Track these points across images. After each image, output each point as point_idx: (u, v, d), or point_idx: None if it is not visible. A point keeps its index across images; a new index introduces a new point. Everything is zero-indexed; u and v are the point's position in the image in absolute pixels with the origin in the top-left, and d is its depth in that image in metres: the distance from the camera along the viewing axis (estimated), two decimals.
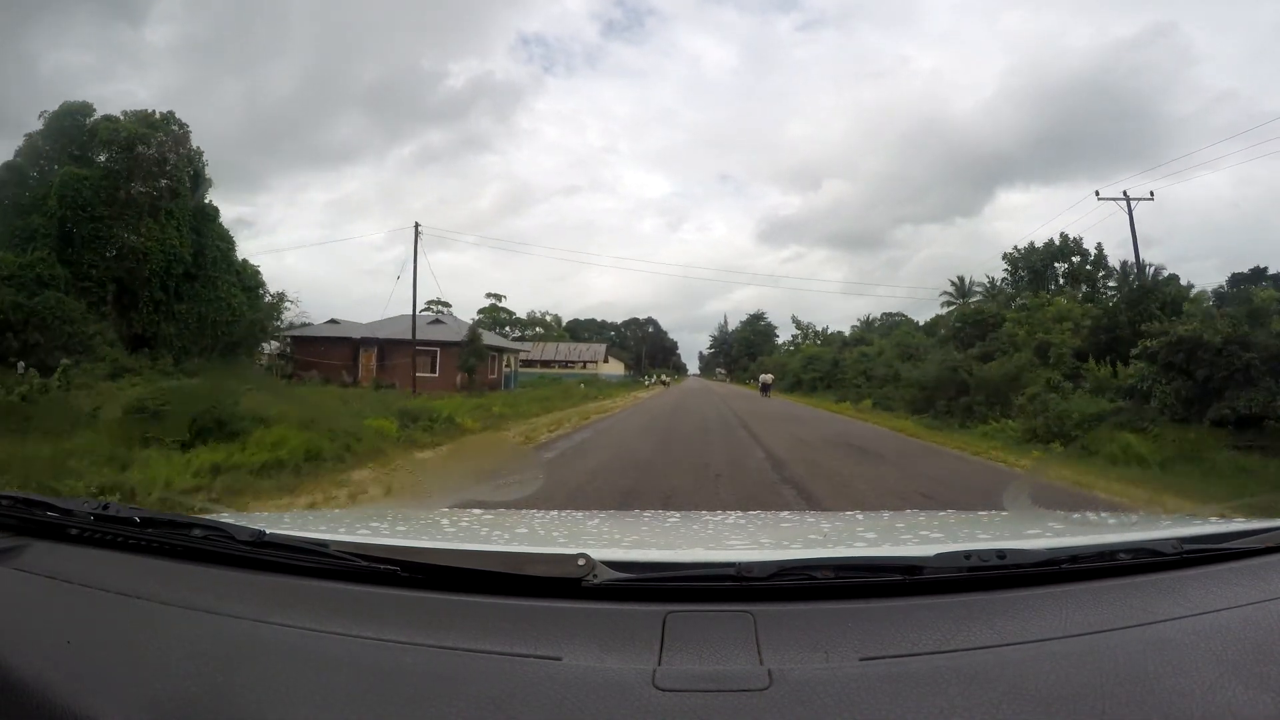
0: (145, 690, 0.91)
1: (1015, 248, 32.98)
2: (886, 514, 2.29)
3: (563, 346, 71.31)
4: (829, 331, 60.39)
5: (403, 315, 30.98)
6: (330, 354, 30.29)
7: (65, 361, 15.12)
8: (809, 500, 7.90)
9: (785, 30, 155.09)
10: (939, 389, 20.27)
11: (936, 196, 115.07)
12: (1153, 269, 27.51)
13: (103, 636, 1.03)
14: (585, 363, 68.16)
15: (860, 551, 1.38)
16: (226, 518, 1.45)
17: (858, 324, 54.18)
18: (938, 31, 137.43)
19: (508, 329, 71.41)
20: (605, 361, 70.48)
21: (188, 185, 26.64)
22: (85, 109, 26.52)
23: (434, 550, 1.23)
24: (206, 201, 27.61)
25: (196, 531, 1.26)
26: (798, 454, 12.25)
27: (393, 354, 30.25)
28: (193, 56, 63.72)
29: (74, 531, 1.29)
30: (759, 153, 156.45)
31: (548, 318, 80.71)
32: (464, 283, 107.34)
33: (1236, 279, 28.06)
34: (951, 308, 48.58)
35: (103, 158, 25.83)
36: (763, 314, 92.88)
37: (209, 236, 26.51)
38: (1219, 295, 21.01)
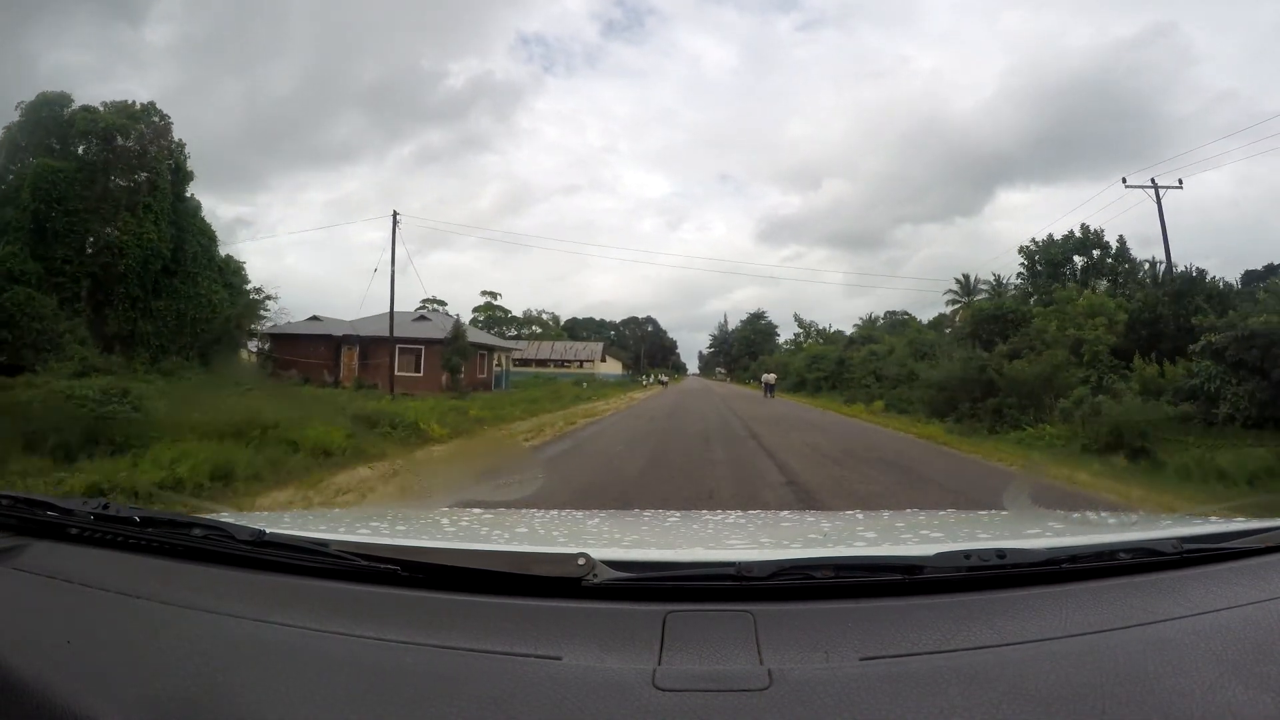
0: (145, 690, 0.90)
1: (1033, 240, 30.95)
2: (886, 514, 2.31)
3: (558, 345, 69.94)
4: (831, 330, 58.94)
5: (395, 313, 29.42)
6: (311, 352, 28.81)
7: None
8: None
9: (785, 30, 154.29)
10: (961, 390, 18.44)
11: (936, 196, 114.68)
12: (1162, 265, 26.28)
13: (103, 636, 1.02)
14: (582, 362, 66.69)
15: (860, 551, 1.37)
16: (227, 517, 1.44)
17: (859, 323, 52.91)
18: (938, 31, 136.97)
19: (503, 328, 69.91)
20: (603, 361, 69.07)
21: (168, 178, 25.32)
22: (63, 99, 26.24)
23: (434, 550, 1.23)
24: (188, 195, 26.21)
25: (196, 531, 1.25)
26: (824, 475, 9.84)
27: (376, 352, 28.68)
28: (192, 56, 63.43)
29: (74, 531, 1.28)
30: (759, 152, 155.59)
31: (544, 316, 79.39)
32: (463, 282, 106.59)
33: (1251, 276, 27.02)
34: (956, 305, 47.58)
35: (80, 149, 25.01)
36: (763, 313, 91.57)
37: (190, 231, 25.35)
38: (1235, 293, 19.54)
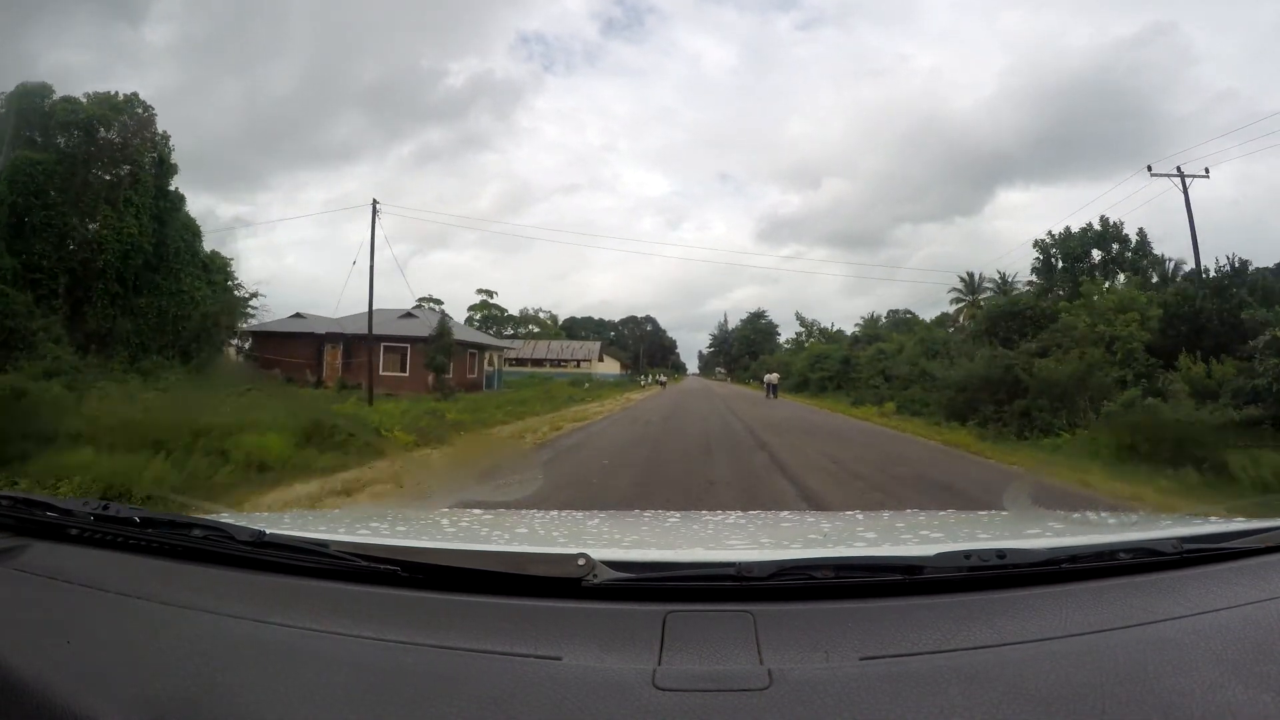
0: (145, 690, 0.91)
1: (1049, 233, 29.19)
2: (886, 514, 2.33)
3: (554, 344, 68.95)
4: (834, 329, 57.76)
5: (379, 310, 28.12)
6: (294, 351, 27.67)
7: None
8: None
9: (785, 29, 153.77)
10: (983, 391, 16.86)
11: (936, 195, 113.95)
12: (1173, 263, 25.28)
13: (103, 636, 1.03)
14: (579, 361, 65.55)
15: (860, 551, 1.36)
16: (226, 518, 1.44)
17: (861, 322, 51.71)
18: (937, 30, 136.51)
19: (500, 326, 68.81)
20: (600, 360, 67.94)
21: (150, 171, 24.17)
22: (44, 90, 25.54)
23: (434, 550, 1.22)
24: (172, 189, 25.08)
25: (196, 531, 1.26)
26: (860, 504, 7.57)
27: (360, 351, 26.96)
28: (192, 55, 63.11)
29: (74, 531, 1.28)
30: (758, 152, 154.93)
31: (541, 314, 78.27)
32: (462, 282, 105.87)
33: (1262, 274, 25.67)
34: (961, 304, 46.73)
35: (61, 141, 24.40)
36: (763, 312, 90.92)
37: (173, 225, 24.20)
38: None
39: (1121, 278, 24.97)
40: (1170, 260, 25.55)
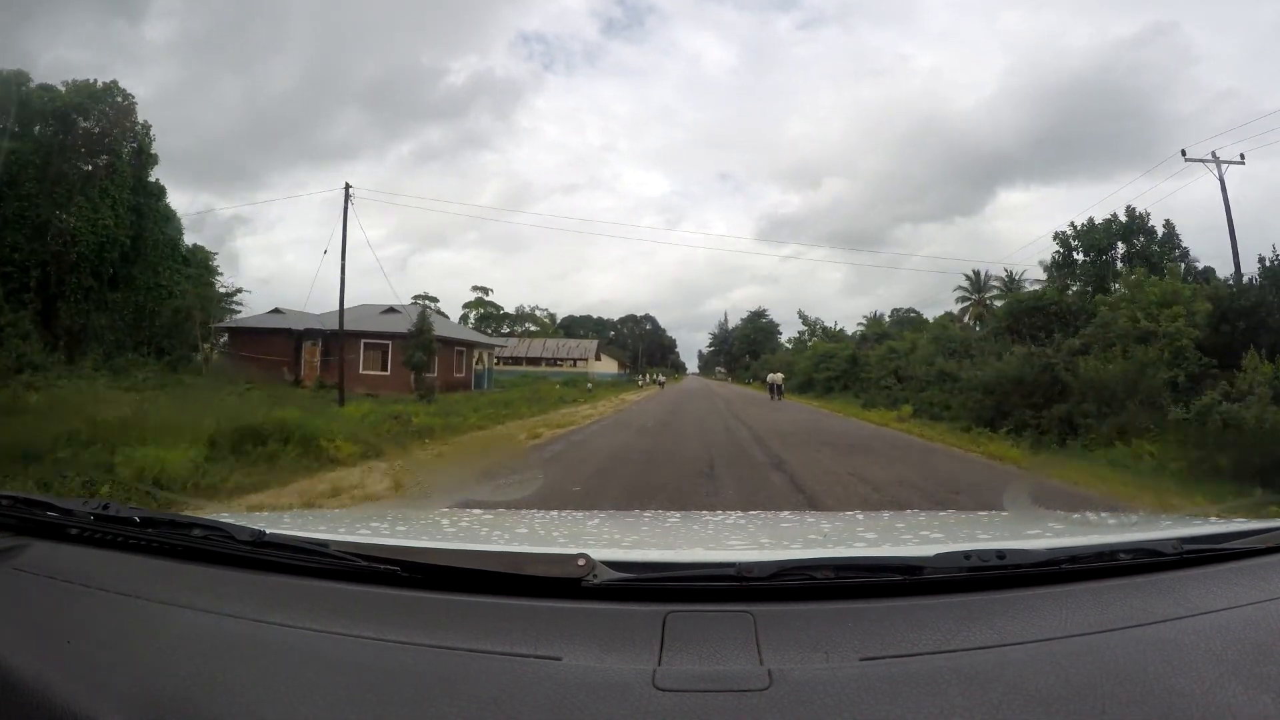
0: (145, 690, 0.91)
1: (1072, 224, 27.26)
2: (886, 514, 2.28)
3: (550, 343, 67.68)
4: (837, 328, 56.42)
5: (360, 305, 27.24)
6: (272, 348, 25.85)
7: None
8: None
9: (785, 29, 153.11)
10: (1016, 394, 15.30)
11: (936, 195, 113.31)
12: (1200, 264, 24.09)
13: (103, 636, 1.03)
14: (575, 360, 64.27)
15: (860, 552, 1.36)
16: (226, 518, 1.42)
17: (864, 321, 50.78)
18: (937, 30, 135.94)
19: (496, 325, 67.45)
20: (597, 359, 66.69)
21: (128, 161, 22.84)
22: (20, 78, 24.54)
23: (434, 550, 1.22)
24: (152, 180, 23.74)
25: (196, 531, 1.25)
26: None
27: (338, 348, 24.88)
28: (192, 53, 62.18)
29: (74, 531, 1.28)
30: (758, 151, 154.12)
31: (538, 312, 76.85)
32: (461, 280, 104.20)
33: None
34: (967, 302, 45.88)
35: (37, 130, 23.42)
36: (764, 311, 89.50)
37: (151, 217, 22.83)
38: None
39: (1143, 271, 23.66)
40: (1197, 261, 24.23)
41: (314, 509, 5.79)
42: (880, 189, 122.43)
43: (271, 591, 1.10)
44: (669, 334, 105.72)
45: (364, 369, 26.24)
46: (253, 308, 27.87)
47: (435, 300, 46.64)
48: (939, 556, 1.13)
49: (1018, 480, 8.58)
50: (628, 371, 73.21)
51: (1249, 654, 0.93)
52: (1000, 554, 1.11)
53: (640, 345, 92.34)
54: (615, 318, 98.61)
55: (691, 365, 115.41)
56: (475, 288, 69.78)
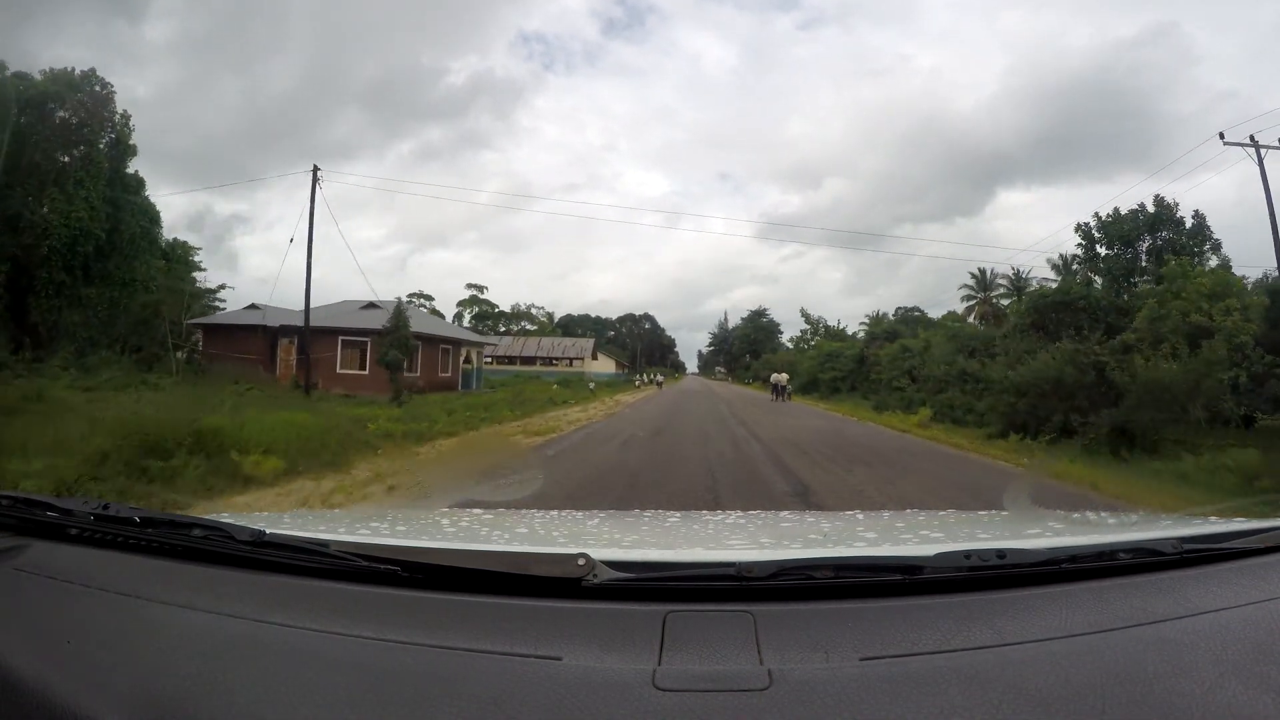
0: (145, 690, 0.90)
1: (1096, 214, 25.58)
2: (886, 514, 2.29)
3: (545, 342, 66.67)
4: (840, 327, 55.32)
5: (341, 301, 26.51)
6: (247, 345, 24.61)
7: None
8: None
9: (785, 29, 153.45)
10: (1055, 396, 13.62)
11: (936, 195, 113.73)
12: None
13: (103, 636, 1.02)
14: (572, 359, 63.34)
15: (860, 551, 1.35)
16: (226, 518, 1.39)
17: (867, 320, 49.88)
18: (937, 30, 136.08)
19: (492, 323, 66.22)
20: (594, 359, 65.75)
21: (105, 152, 21.70)
22: None
23: (434, 550, 1.21)
24: (130, 171, 22.59)
25: (196, 531, 1.24)
26: None
27: (317, 345, 23.86)
28: (192, 53, 61.31)
29: (74, 531, 1.26)
30: (758, 151, 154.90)
31: (535, 311, 75.72)
32: (461, 280, 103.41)
33: None
34: (972, 301, 45.20)
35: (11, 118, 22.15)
36: (764, 310, 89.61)
37: (128, 210, 21.64)
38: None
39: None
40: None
41: (314, 509, 5.79)
42: (881, 189, 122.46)
43: (271, 591, 1.10)
44: (668, 334, 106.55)
45: (341, 368, 25.03)
46: (237, 305, 26.65)
47: (431, 299, 45.61)
48: (939, 556, 1.12)
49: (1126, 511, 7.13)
50: (625, 371, 72.51)
51: (1249, 654, 0.93)
52: (1000, 553, 1.11)
53: (639, 345, 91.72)
54: (614, 317, 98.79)
55: (691, 365, 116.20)
56: (469, 285, 68.91)
